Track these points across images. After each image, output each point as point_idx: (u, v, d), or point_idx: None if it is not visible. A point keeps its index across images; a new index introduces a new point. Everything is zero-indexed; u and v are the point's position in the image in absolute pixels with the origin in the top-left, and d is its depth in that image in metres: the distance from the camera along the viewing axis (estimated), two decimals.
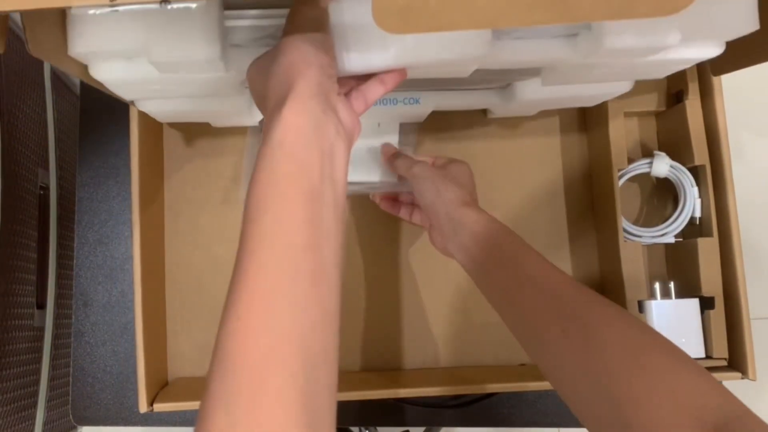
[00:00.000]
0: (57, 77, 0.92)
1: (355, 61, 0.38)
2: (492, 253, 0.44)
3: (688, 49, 0.41)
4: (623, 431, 0.32)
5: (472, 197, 0.49)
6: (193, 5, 0.35)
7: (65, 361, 0.93)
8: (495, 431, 1.05)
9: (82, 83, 0.63)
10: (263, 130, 0.33)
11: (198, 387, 0.56)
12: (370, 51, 0.38)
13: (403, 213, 0.56)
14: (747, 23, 0.38)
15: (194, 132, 0.61)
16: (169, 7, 0.29)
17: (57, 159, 0.91)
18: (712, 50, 0.41)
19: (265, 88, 0.35)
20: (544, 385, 0.54)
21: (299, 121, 0.32)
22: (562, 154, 0.62)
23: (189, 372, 0.59)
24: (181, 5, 0.29)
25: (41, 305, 0.86)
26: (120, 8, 0.29)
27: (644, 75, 0.47)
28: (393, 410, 0.59)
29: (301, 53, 0.34)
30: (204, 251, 0.60)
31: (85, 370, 0.60)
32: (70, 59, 0.39)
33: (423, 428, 0.81)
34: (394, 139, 0.56)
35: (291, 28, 0.35)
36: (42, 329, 0.86)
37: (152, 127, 0.57)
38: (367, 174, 0.56)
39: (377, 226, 0.60)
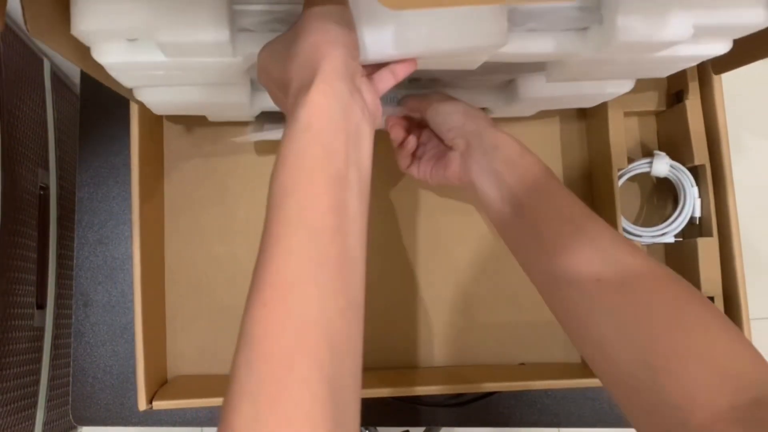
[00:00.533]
0: (57, 77, 0.92)
1: (369, 50, 0.37)
2: (525, 179, 0.42)
3: (697, 45, 0.41)
4: (656, 395, 0.31)
5: (495, 122, 0.47)
6: None
7: (65, 361, 0.93)
8: (495, 431, 1.05)
9: (81, 83, 0.63)
10: (288, 112, 0.33)
11: (197, 385, 0.57)
12: (384, 40, 0.37)
13: (413, 169, 0.52)
14: (757, 18, 0.38)
15: (195, 130, 0.61)
16: None
17: (57, 159, 0.92)
18: (720, 47, 0.41)
19: (285, 71, 0.34)
20: (544, 385, 0.54)
21: (327, 103, 0.31)
22: (562, 153, 0.62)
23: (188, 370, 0.59)
24: None
25: (41, 305, 0.86)
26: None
27: (649, 73, 0.47)
28: (393, 410, 0.59)
29: (325, 33, 0.33)
30: (204, 250, 0.60)
31: (85, 370, 0.60)
32: (70, 43, 0.38)
33: (423, 428, 0.81)
34: None
35: (312, 7, 0.34)
36: (42, 329, 0.86)
37: (153, 125, 0.57)
38: None
39: (377, 223, 0.60)
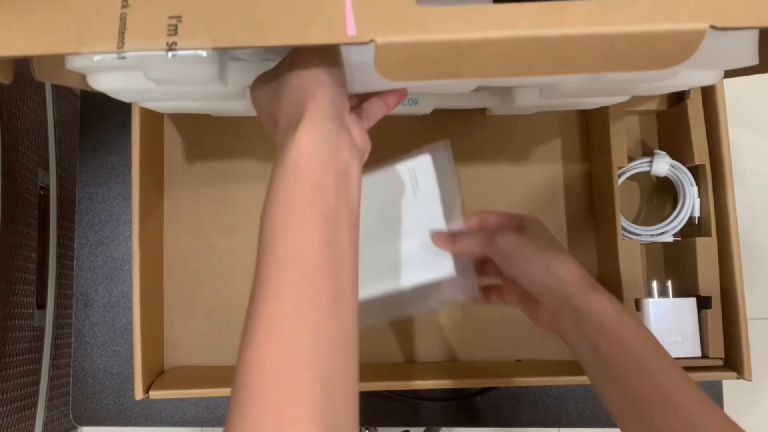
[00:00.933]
0: None
1: (357, 83, 0.37)
2: (623, 353, 0.38)
3: (688, 77, 0.41)
4: None
5: (586, 277, 0.42)
6: (202, 51, 0.35)
7: (65, 361, 0.93)
8: (495, 431, 1.05)
9: None
10: (277, 148, 0.33)
11: (193, 375, 0.57)
12: (373, 76, 0.38)
13: (494, 298, 0.48)
14: (747, 57, 0.38)
15: (196, 126, 0.61)
16: (174, 54, 0.29)
17: (57, 159, 0.92)
18: (711, 77, 0.41)
19: (275, 108, 0.34)
20: (540, 381, 0.55)
21: (314, 143, 0.31)
22: (562, 152, 0.62)
23: (185, 361, 0.59)
24: (187, 53, 0.29)
25: (41, 305, 0.86)
26: (126, 55, 0.29)
27: (643, 93, 0.48)
28: (392, 409, 0.59)
29: (312, 71, 0.33)
30: (202, 241, 0.60)
31: (85, 370, 0.60)
32: (70, 72, 0.39)
33: (423, 429, 0.81)
34: (435, 204, 0.46)
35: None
36: (42, 329, 0.86)
37: (153, 122, 0.58)
38: (435, 270, 0.46)
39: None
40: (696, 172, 0.57)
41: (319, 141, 0.31)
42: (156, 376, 0.56)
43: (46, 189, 0.88)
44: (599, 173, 0.60)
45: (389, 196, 0.46)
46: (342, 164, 0.32)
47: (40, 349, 0.86)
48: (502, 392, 0.60)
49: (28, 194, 0.82)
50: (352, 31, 0.29)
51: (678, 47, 0.30)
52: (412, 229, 0.46)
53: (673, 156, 0.58)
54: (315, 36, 0.29)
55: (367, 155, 0.36)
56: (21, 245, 0.79)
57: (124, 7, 0.29)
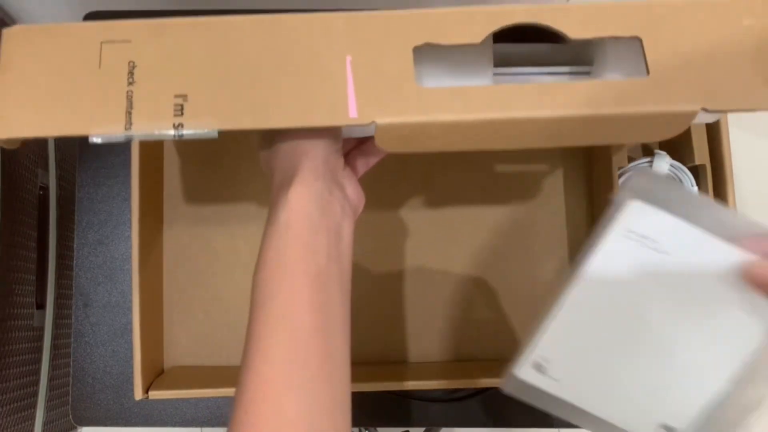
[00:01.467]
0: None
1: (354, 132, 0.37)
2: None
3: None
4: None
5: None
6: (209, 132, 0.35)
7: (65, 361, 0.93)
8: (495, 431, 1.05)
9: None
10: (270, 205, 0.33)
11: (193, 376, 0.57)
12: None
13: None
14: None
15: None
16: (180, 135, 0.30)
17: (57, 159, 0.92)
18: (708, 117, 0.41)
19: (270, 160, 0.35)
20: None
21: (305, 204, 0.32)
22: (562, 150, 0.62)
23: (184, 361, 0.59)
24: (193, 132, 0.30)
25: (41, 305, 0.86)
26: (135, 135, 0.30)
27: None
28: (392, 410, 0.59)
29: (306, 131, 0.33)
30: (202, 241, 0.60)
31: (84, 371, 0.60)
32: None
33: (423, 429, 0.81)
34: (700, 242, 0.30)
35: None
36: (42, 329, 0.86)
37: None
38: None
39: (374, 218, 0.60)
40: (696, 172, 0.57)
41: (310, 202, 0.32)
42: (155, 377, 0.56)
43: (46, 189, 0.88)
44: (599, 173, 0.60)
45: (625, 295, 0.31)
46: (334, 224, 0.32)
47: (40, 349, 0.86)
48: (501, 392, 0.60)
49: (28, 194, 0.82)
50: (353, 113, 0.30)
51: (671, 124, 0.31)
52: (695, 311, 0.30)
53: (674, 156, 0.57)
54: (318, 119, 0.30)
55: (361, 209, 0.37)
56: (20, 245, 0.79)
57: (130, 84, 0.30)
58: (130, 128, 0.29)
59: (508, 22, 0.31)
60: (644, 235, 0.30)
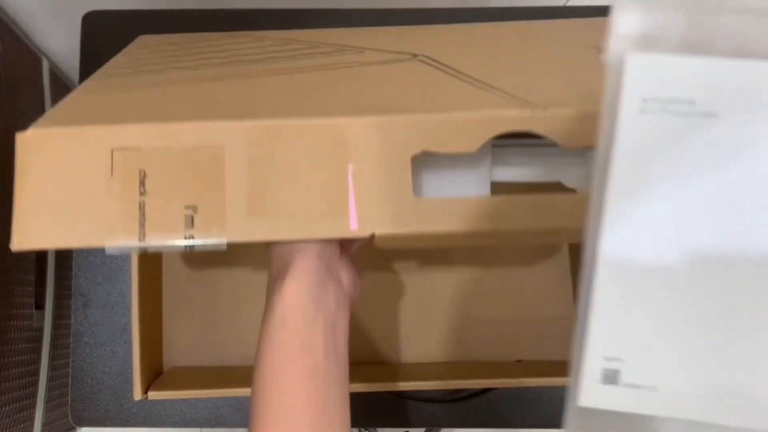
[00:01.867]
0: (55, 76, 0.92)
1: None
2: None
3: None
4: None
5: None
6: (219, 245, 0.36)
7: (64, 361, 0.93)
8: (495, 431, 1.05)
9: (80, 83, 0.63)
10: (267, 293, 0.34)
11: (192, 376, 0.57)
12: None
13: None
14: None
15: None
16: (191, 245, 0.30)
17: None
18: None
19: (269, 249, 0.35)
20: (541, 382, 0.54)
21: (298, 299, 0.32)
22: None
23: (184, 361, 0.59)
24: (203, 242, 0.30)
25: (40, 306, 0.86)
26: (148, 247, 0.31)
27: None
28: (392, 410, 0.59)
29: None
30: None
31: (84, 371, 0.60)
32: None
33: (423, 429, 0.81)
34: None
35: None
36: (41, 330, 0.86)
37: None
38: None
39: None
40: None
41: (303, 297, 0.32)
42: (155, 377, 0.56)
43: None
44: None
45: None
46: (329, 316, 0.33)
47: (39, 350, 0.86)
48: (502, 393, 0.60)
49: None
50: (354, 224, 0.31)
51: None
52: None
53: None
54: (321, 231, 0.31)
55: (357, 296, 0.38)
56: None
57: (141, 194, 0.31)
58: (143, 240, 0.30)
59: (503, 129, 0.32)
60: (670, 98, 0.19)
